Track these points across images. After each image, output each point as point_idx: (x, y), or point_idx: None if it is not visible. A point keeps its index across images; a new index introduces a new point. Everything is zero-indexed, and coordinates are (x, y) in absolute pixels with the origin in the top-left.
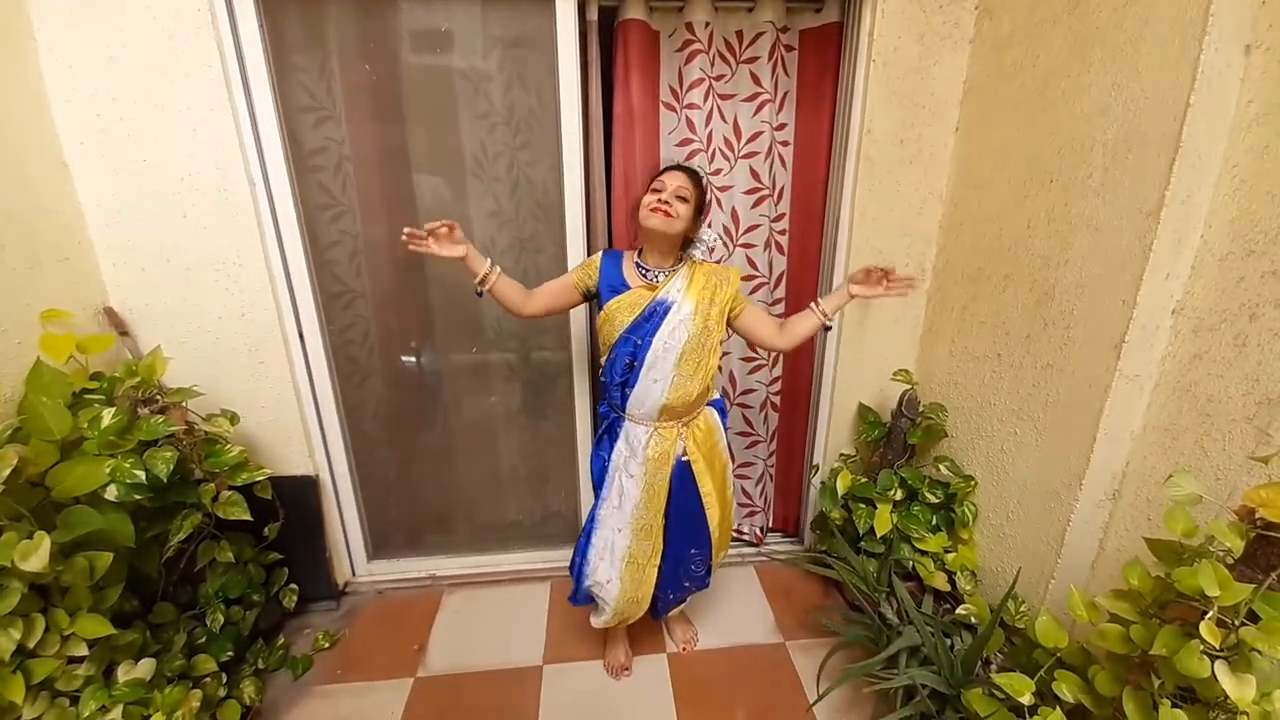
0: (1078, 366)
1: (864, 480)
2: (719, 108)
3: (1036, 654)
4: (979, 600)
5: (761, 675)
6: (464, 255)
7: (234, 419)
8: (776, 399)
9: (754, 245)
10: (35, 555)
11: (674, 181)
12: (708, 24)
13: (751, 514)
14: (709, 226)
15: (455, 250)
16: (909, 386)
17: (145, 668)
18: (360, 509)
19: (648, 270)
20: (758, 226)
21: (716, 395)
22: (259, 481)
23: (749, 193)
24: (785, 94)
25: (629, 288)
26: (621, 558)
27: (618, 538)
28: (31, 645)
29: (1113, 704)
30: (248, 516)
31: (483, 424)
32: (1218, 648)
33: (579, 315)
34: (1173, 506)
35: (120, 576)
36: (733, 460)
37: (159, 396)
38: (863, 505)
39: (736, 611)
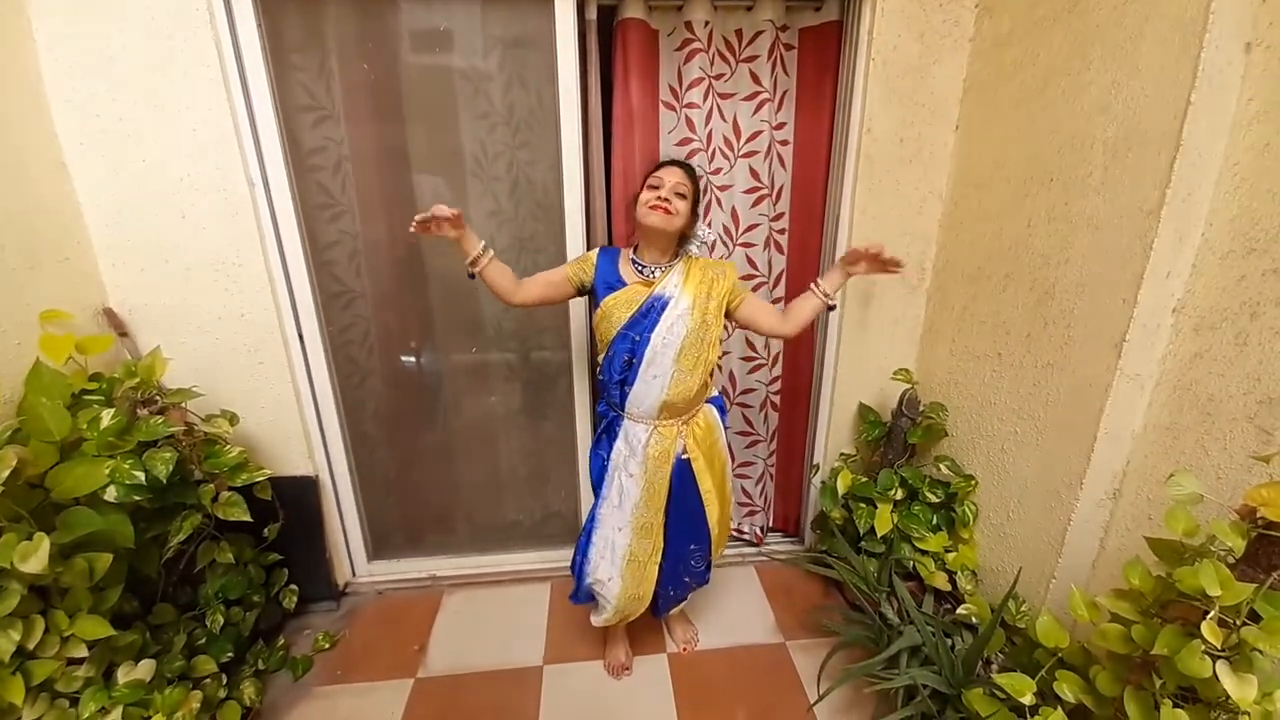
0: (1078, 365)
1: (864, 480)
2: (718, 107)
3: (1037, 654)
4: (980, 600)
5: (762, 675)
6: (459, 236)
7: (233, 419)
8: (776, 398)
9: (754, 244)
10: (35, 556)
11: (672, 178)
12: (707, 23)
13: (752, 514)
14: (709, 225)
15: (454, 231)
16: (909, 386)
17: (145, 669)
18: (360, 509)
19: (644, 266)
20: (757, 226)
21: (715, 392)
22: (259, 482)
23: (749, 192)
24: (785, 93)
25: (625, 284)
26: (622, 556)
27: (618, 536)
28: (31, 646)
29: (1114, 704)
30: (247, 517)
31: (483, 424)
32: (1219, 647)
33: (579, 315)
34: (1174, 506)
35: (120, 578)
36: (732, 459)
37: (158, 397)
38: (863, 505)
39: (737, 611)
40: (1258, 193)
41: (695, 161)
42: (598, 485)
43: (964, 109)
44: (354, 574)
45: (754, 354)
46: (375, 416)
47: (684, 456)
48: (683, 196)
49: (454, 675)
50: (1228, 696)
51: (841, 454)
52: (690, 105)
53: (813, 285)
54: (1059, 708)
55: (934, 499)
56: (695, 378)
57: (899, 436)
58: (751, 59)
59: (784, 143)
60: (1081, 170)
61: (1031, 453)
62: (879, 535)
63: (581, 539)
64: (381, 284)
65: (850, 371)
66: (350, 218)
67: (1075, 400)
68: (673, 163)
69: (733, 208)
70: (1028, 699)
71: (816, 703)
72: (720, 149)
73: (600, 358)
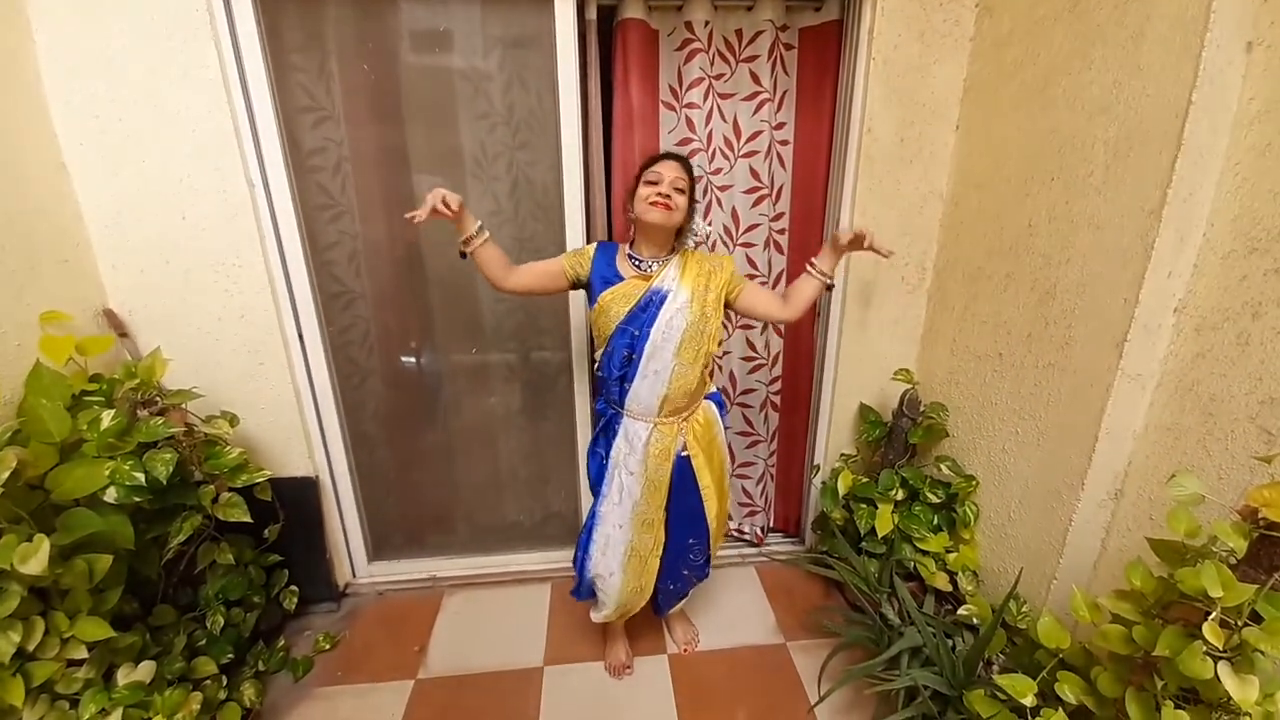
0: (1079, 365)
1: (865, 480)
2: (718, 107)
3: (1038, 655)
4: (981, 601)
5: (763, 676)
6: (457, 218)
7: (233, 420)
8: (777, 399)
9: (754, 244)
10: (35, 558)
11: (670, 173)
12: (707, 23)
13: (752, 514)
14: (709, 223)
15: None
16: (910, 386)
17: (145, 670)
18: (360, 510)
19: (641, 261)
20: (757, 226)
21: (713, 388)
22: (259, 483)
23: (748, 192)
24: (785, 93)
25: (622, 279)
26: (623, 552)
27: (619, 533)
28: (31, 648)
29: (1115, 705)
30: (248, 518)
31: (483, 424)
32: (1221, 648)
33: (578, 315)
34: (1175, 506)
35: (120, 579)
36: (732, 460)
37: (158, 398)
38: (864, 505)
39: (737, 612)
40: (1259, 192)
41: (695, 161)
42: (596, 484)
43: (964, 109)
44: (354, 575)
45: (754, 354)
46: (375, 417)
47: (684, 454)
48: (681, 191)
49: (454, 676)
50: (1229, 697)
51: (842, 454)
52: (690, 105)
53: (809, 267)
54: (1060, 709)
55: (935, 499)
56: (695, 371)
57: (900, 437)
58: (751, 59)
59: (784, 143)
60: (1082, 170)
61: (1032, 453)
62: (880, 536)
63: (582, 536)
64: (381, 284)
65: (851, 371)
66: (350, 218)
67: (1076, 400)
68: (669, 156)
69: (733, 208)
70: (1029, 700)
71: (817, 703)
72: (720, 149)
73: (598, 354)
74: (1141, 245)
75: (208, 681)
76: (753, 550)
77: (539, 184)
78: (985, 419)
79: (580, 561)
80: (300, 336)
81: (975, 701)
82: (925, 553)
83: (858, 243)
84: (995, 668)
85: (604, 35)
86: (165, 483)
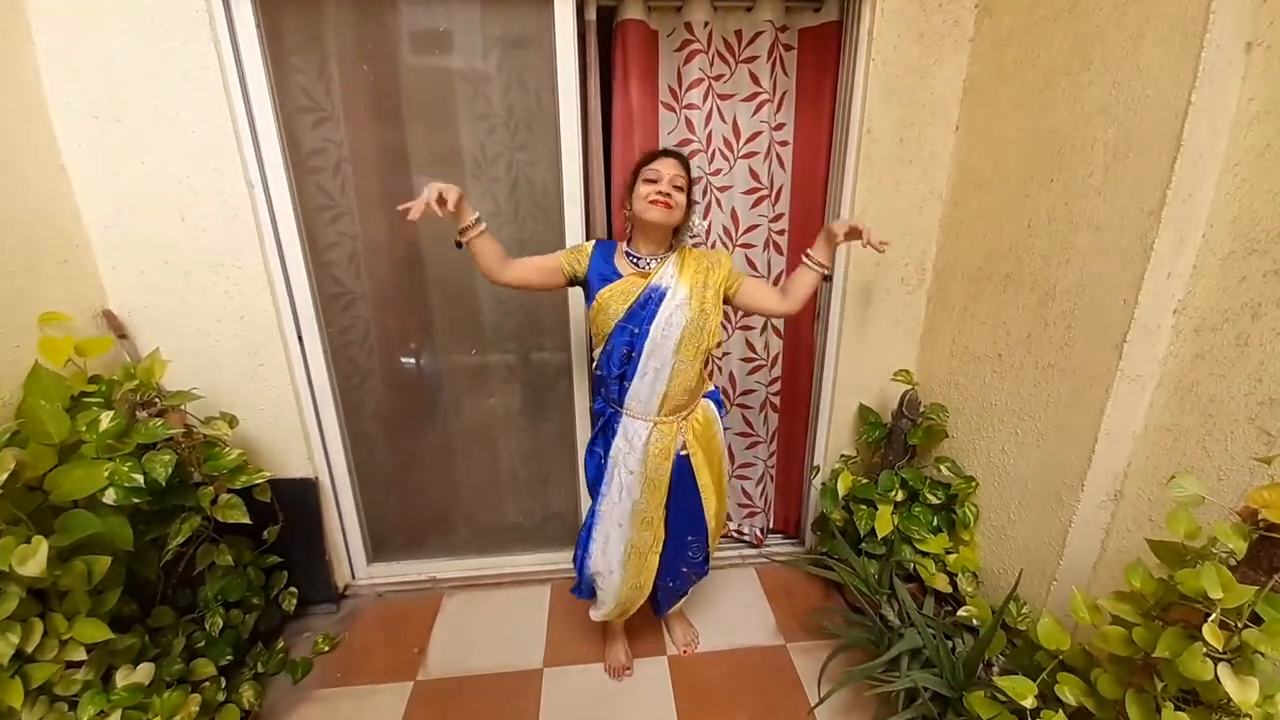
0: (1079, 366)
1: (865, 481)
2: (718, 107)
3: (1038, 656)
4: (980, 602)
5: (762, 678)
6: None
7: (233, 421)
8: (776, 399)
9: (753, 245)
10: (33, 559)
11: (669, 170)
12: (706, 23)
13: (752, 515)
14: (708, 221)
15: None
16: (909, 387)
17: (144, 672)
18: (360, 511)
19: (639, 258)
20: (757, 226)
21: (712, 386)
22: (258, 484)
23: (748, 193)
24: (784, 93)
25: (621, 276)
26: (623, 550)
27: (618, 531)
28: (30, 650)
29: (1115, 707)
30: (247, 520)
31: (482, 426)
32: (1221, 650)
33: (578, 316)
34: (1175, 508)
35: (119, 580)
36: (732, 461)
37: (157, 399)
38: (864, 506)
39: (737, 613)
40: (1259, 193)
41: (695, 162)
42: (594, 484)
43: (964, 109)
44: (354, 576)
45: (754, 355)
46: (375, 418)
47: (683, 453)
48: (680, 189)
49: (454, 678)
50: (1229, 699)
51: (842, 455)
52: (690, 106)
53: (805, 259)
54: (1060, 710)
55: (934, 500)
56: (695, 369)
57: (899, 438)
58: (751, 60)
59: (783, 143)
60: (1082, 171)
61: (1032, 454)
62: (879, 537)
63: (582, 534)
64: (381, 285)
65: (850, 372)
66: (350, 219)
67: (1076, 401)
68: (667, 153)
69: (732, 208)
70: (1029, 702)
71: (817, 705)
72: (720, 150)
73: (596, 352)
74: (1141, 246)
75: (206, 683)
76: (752, 551)
77: (539, 185)
78: (985, 420)
79: (580, 560)
80: (300, 337)
81: (975, 703)
82: (925, 554)
83: (854, 235)
84: (995, 669)
85: (603, 36)
86: (164, 484)
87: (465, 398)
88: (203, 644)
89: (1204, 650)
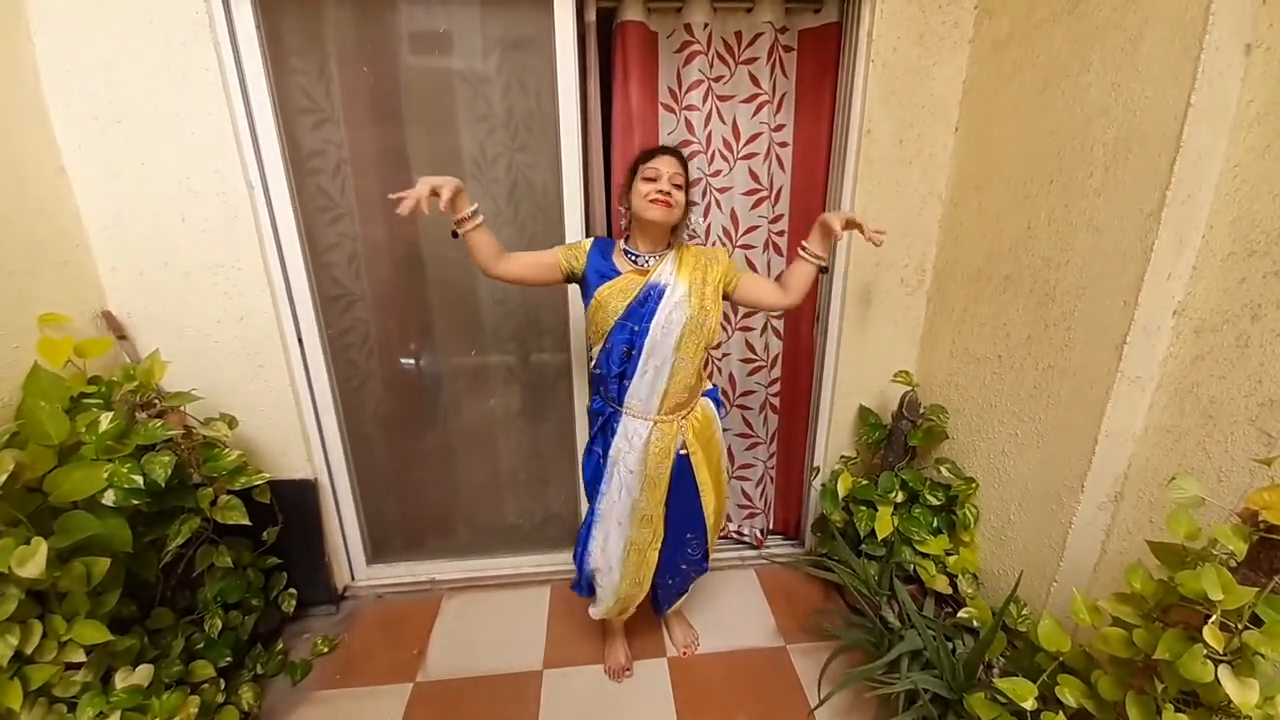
0: (1079, 368)
1: (865, 482)
2: (718, 109)
3: (1039, 658)
4: (981, 603)
5: (762, 679)
6: (456, 189)
7: (232, 423)
8: (776, 400)
9: (753, 246)
10: (32, 561)
11: (668, 168)
12: (706, 25)
13: (752, 516)
14: (706, 222)
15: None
16: (909, 388)
17: (143, 674)
18: (359, 513)
19: (638, 256)
20: (756, 228)
21: (710, 385)
22: (257, 485)
23: (748, 194)
24: (784, 95)
25: (619, 273)
26: (622, 547)
27: (618, 529)
28: (29, 651)
29: (1116, 709)
30: (246, 521)
31: (482, 427)
32: (1221, 652)
33: (578, 317)
34: (1175, 509)
35: (118, 582)
36: (732, 462)
37: (157, 400)
38: (863, 508)
39: (737, 615)
40: (1258, 195)
41: (695, 164)
42: (592, 484)
43: (964, 111)
44: (353, 578)
45: (753, 356)
46: (375, 419)
47: (683, 452)
48: (679, 187)
49: (453, 679)
50: (1230, 701)
51: (842, 456)
52: (689, 107)
53: (801, 251)
54: (1061, 712)
55: (935, 502)
56: (695, 366)
57: (899, 439)
58: (751, 61)
59: (783, 145)
60: (1082, 172)
61: (1032, 455)
62: (880, 538)
63: (581, 532)
64: (381, 286)
65: (850, 373)
66: (350, 220)
67: (1076, 402)
68: (665, 151)
69: (732, 209)
70: (1029, 704)
71: (817, 707)
72: (719, 151)
73: (595, 350)
74: (1141, 247)
75: (206, 685)
76: (752, 553)
77: (538, 186)
78: (985, 421)
79: (580, 557)
80: (299, 339)
81: (976, 705)
82: (925, 555)
83: (852, 227)
84: (995, 671)
85: (603, 37)
86: (163, 485)
87: (465, 399)
88: (202, 645)
89: (1204, 652)
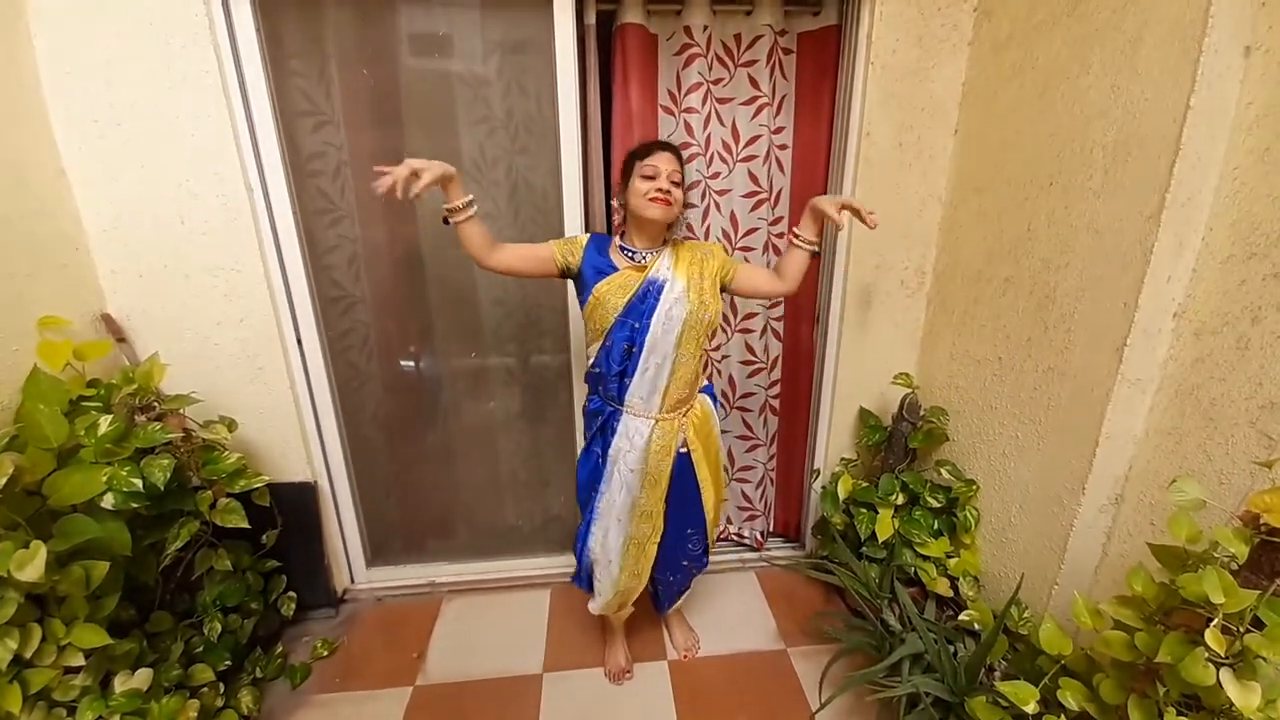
0: (1079, 370)
1: (865, 485)
2: (717, 111)
3: (1040, 661)
4: (982, 606)
5: (763, 682)
6: (440, 176)
7: (232, 425)
8: (776, 402)
9: (752, 249)
10: (31, 565)
11: (667, 165)
12: (706, 27)
13: (752, 518)
14: (705, 224)
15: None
16: (909, 390)
17: (142, 678)
18: (359, 515)
19: (634, 252)
20: (756, 230)
21: (705, 381)
22: (257, 488)
23: (747, 196)
24: (783, 97)
25: (616, 269)
26: (621, 542)
27: (618, 526)
28: (28, 655)
29: (1118, 712)
30: (245, 524)
31: (482, 429)
32: (1223, 655)
33: (577, 318)
34: (1176, 512)
35: (117, 585)
36: (731, 463)
37: (156, 403)
38: (864, 510)
39: (737, 617)
40: (1258, 197)
41: (694, 166)
42: (589, 485)
43: (963, 113)
44: (353, 581)
45: (753, 358)
46: (374, 422)
47: (684, 450)
48: (677, 184)
49: (453, 683)
50: (1231, 704)
51: (842, 459)
52: (689, 110)
53: (793, 237)
54: (1062, 716)
55: (935, 504)
56: (695, 361)
57: (900, 441)
58: (750, 63)
59: (783, 147)
60: (1081, 174)
61: (1033, 457)
62: (880, 540)
63: (581, 529)
64: (381, 289)
65: (850, 375)
66: (349, 222)
67: (1076, 405)
68: (661, 147)
69: (731, 212)
70: (1031, 707)
71: (818, 710)
72: (719, 153)
73: (593, 349)
74: (1140, 250)
75: (205, 689)
76: (753, 555)
77: (538, 188)
78: (985, 423)
79: (580, 550)
80: (299, 341)
81: (977, 709)
82: (926, 558)
83: (846, 209)
84: (997, 674)
85: (603, 40)
86: (163, 488)
87: (465, 401)
88: (201, 649)
89: (1206, 655)
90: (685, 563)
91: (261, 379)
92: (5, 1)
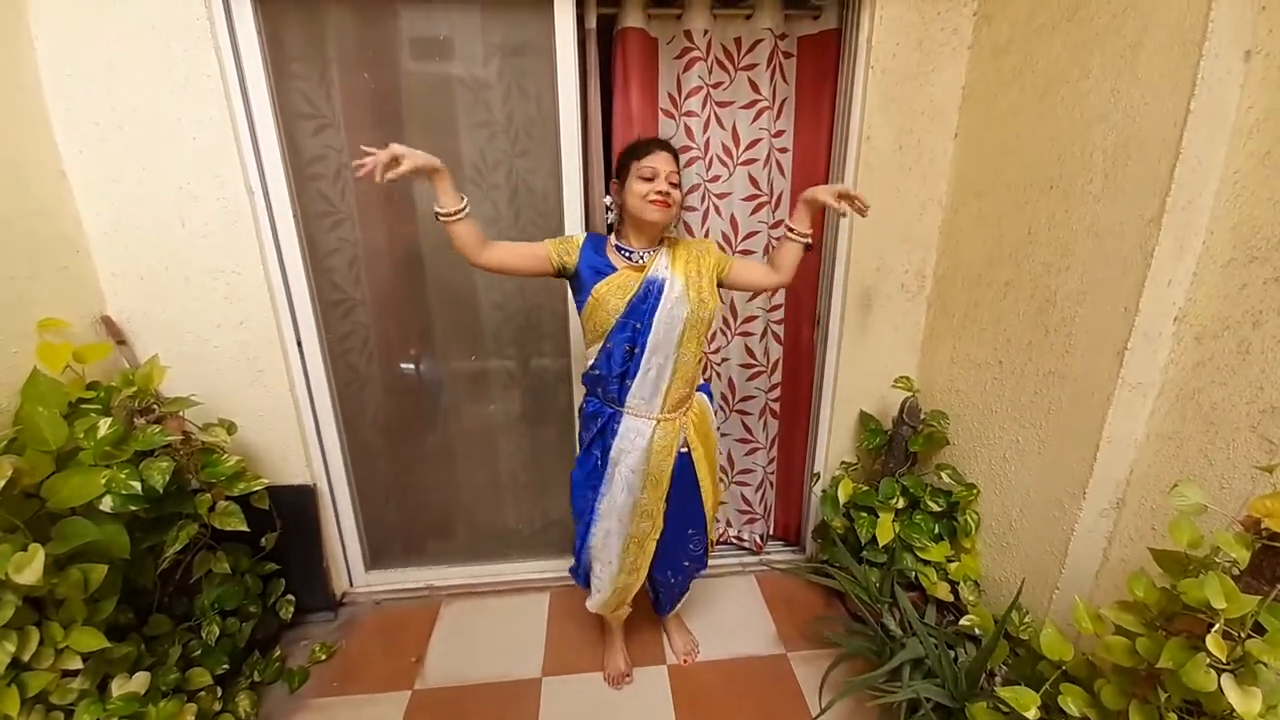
0: (1080, 374)
1: (865, 488)
2: (717, 115)
3: (1041, 666)
4: (983, 611)
5: (763, 687)
6: (421, 167)
7: (231, 428)
8: (776, 406)
9: (753, 252)
10: (30, 568)
11: (664, 166)
12: (706, 31)
13: (752, 521)
14: (705, 227)
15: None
16: (910, 393)
17: (140, 681)
18: (358, 519)
19: (631, 252)
20: (756, 233)
21: (702, 380)
22: (256, 491)
23: (747, 199)
24: (784, 101)
25: (614, 269)
26: (622, 543)
27: (618, 526)
28: (26, 658)
29: (1119, 718)
30: (244, 527)
31: (482, 432)
32: (1224, 660)
33: (578, 321)
34: (1177, 516)
35: (115, 589)
36: (731, 467)
37: (156, 406)
38: (864, 514)
39: (737, 621)
40: (1259, 200)
41: (694, 169)
42: (590, 484)
43: (963, 116)
44: (351, 584)
45: (753, 361)
46: (374, 425)
47: (684, 450)
48: (675, 185)
49: (452, 687)
50: (1233, 710)
51: (842, 462)
52: (689, 113)
53: (786, 230)
54: None
55: (936, 508)
56: (696, 362)
57: (900, 445)
58: (750, 67)
59: (783, 150)
60: (1082, 178)
61: (1034, 461)
62: (881, 545)
63: (580, 528)
64: (381, 291)
65: (850, 379)
66: (350, 225)
67: (1077, 409)
68: (658, 146)
69: (731, 215)
70: (1032, 713)
71: (819, 715)
72: (719, 156)
73: (592, 350)
74: (1141, 253)
75: (203, 692)
76: (753, 559)
77: (539, 191)
78: (986, 427)
79: (579, 549)
80: (299, 344)
81: (978, 714)
82: (926, 562)
83: (842, 198)
84: (998, 679)
85: (604, 43)
86: (162, 491)
87: (465, 404)
88: (199, 652)
89: (1207, 661)
90: (687, 563)
91: (261, 381)
92: (6, 4)
